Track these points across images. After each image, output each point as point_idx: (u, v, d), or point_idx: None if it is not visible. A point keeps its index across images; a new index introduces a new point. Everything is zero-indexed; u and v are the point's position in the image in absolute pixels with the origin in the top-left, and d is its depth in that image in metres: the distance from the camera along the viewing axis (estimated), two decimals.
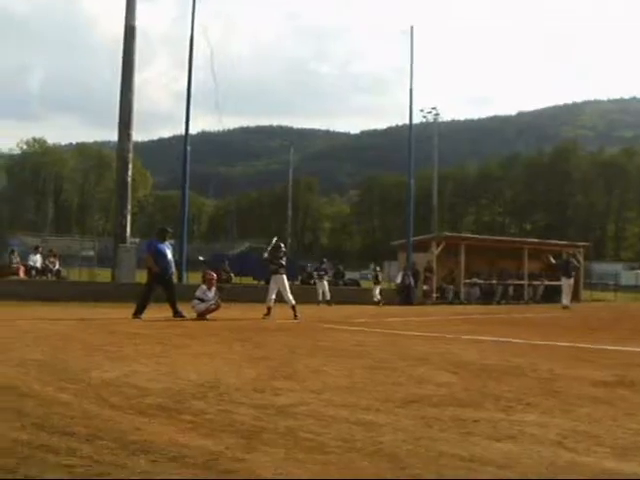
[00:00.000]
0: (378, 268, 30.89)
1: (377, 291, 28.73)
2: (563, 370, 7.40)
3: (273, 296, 16.35)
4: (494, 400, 5.46)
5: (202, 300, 15.05)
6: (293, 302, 16.23)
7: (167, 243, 15.83)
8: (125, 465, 3.38)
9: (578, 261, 31.77)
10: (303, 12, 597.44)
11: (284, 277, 16.54)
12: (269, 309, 16.07)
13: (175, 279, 17.91)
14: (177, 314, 14.93)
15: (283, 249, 17.18)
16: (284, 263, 16.69)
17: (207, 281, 15.57)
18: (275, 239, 17.60)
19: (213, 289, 15.48)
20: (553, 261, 27.33)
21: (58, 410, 4.72)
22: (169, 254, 15.50)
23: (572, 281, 26.69)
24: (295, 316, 15.86)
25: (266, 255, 16.96)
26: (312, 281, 28.47)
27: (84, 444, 3.77)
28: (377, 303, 27.56)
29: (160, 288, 15.26)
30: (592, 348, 10.25)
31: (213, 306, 15.04)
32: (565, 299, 25.85)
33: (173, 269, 16.23)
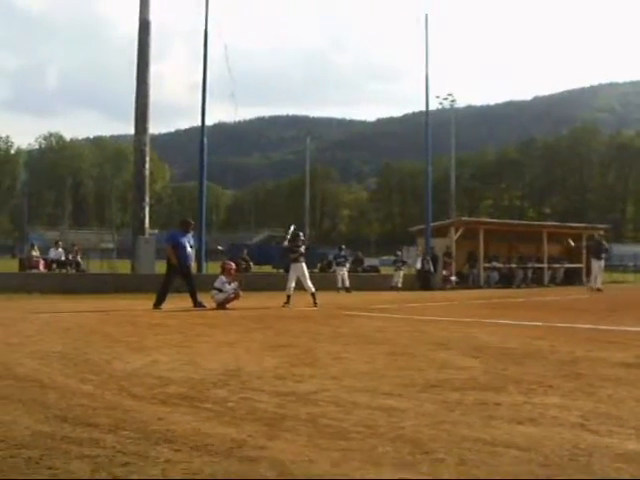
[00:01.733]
0: (399, 253, 31.07)
1: (399, 277, 28.79)
2: (584, 352, 7.37)
3: (293, 284, 16.38)
4: (515, 383, 5.45)
5: (221, 290, 15.07)
6: (313, 289, 16.27)
7: (189, 235, 15.80)
8: (148, 455, 3.40)
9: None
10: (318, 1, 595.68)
11: (304, 265, 16.57)
12: (288, 297, 16.10)
13: (194, 270, 17.89)
14: (197, 304, 14.96)
15: (302, 237, 17.25)
16: (303, 251, 16.75)
17: (226, 271, 15.56)
18: (292, 227, 17.69)
19: (233, 281, 15.40)
20: (572, 244, 27.15)
21: (81, 401, 4.76)
22: (188, 246, 15.47)
23: (602, 263, 26.42)
24: (315, 303, 15.88)
25: (286, 244, 17.06)
26: (331, 269, 28.43)
27: (107, 435, 3.80)
28: (395, 288, 27.57)
29: (179, 279, 15.32)
30: (613, 330, 10.18)
31: (232, 295, 15.05)
32: (593, 281, 25.62)
33: (191, 261, 16.22)
